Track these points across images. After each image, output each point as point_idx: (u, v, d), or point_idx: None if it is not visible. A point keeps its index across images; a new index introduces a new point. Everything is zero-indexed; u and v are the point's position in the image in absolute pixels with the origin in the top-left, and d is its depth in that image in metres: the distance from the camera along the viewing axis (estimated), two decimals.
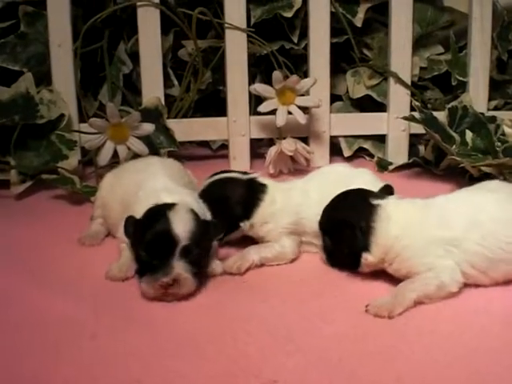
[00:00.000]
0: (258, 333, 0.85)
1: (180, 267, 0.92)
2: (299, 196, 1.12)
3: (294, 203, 1.11)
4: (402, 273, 0.97)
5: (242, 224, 1.09)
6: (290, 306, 0.93)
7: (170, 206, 0.97)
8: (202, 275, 0.97)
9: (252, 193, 1.10)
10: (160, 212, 0.96)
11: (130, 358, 0.80)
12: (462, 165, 1.34)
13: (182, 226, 0.94)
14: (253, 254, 1.06)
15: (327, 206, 1.04)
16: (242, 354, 0.80)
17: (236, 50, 1.55)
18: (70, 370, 0.77)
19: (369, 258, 0.98)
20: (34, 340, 0.84)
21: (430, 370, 0.77)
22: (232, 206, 1.08)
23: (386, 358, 0.79)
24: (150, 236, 0.94)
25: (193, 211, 0.98)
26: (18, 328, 0.87)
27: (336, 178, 1.12)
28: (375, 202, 1.00)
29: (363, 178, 1.13)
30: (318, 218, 1.04)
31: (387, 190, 1.07)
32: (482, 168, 1.35)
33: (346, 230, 0.99)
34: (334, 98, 1.67)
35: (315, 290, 0.98)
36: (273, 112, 1.53)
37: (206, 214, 1.04)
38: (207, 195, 1.10)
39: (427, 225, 0.98)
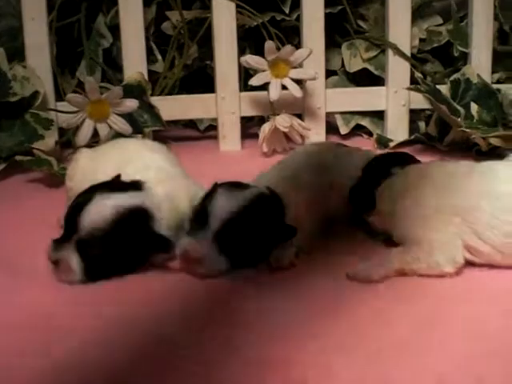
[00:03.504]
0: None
1: None
2: None
3: None
4: (397, 233, 0.90)
5: None
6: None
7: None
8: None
9: None
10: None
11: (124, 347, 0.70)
12: (473, 136, 1.25)
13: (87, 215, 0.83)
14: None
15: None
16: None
17: (224, 21, 1.44)
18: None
19: (372, 219, 0.94)
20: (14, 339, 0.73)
21: None
22: None
23: None
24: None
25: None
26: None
27: None
28: (394, 169, 0.94)
29: None
30: None
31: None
32: (491, 141, 1.27)
33: (358, 192, 0.96)
34: (328, 73, 1.57)
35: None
36: (265, 87, 1.43)
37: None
38: None
39: (436, 191, 0.88)
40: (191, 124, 1.64)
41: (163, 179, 0.93)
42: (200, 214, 0.86)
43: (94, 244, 0.83)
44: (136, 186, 0.89)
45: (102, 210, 0.83)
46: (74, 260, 0.84)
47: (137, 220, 0.85)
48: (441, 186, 0.88)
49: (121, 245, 0.84)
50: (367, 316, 0.75)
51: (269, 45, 1.37)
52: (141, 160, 0.98)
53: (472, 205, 0.85)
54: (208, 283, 0.84)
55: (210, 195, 0.87)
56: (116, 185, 0.89)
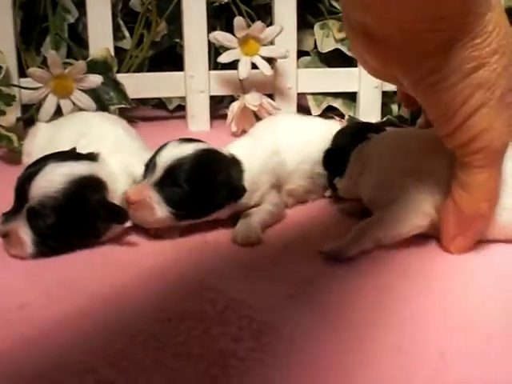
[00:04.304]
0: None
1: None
2: None
3: None
4: (366, 198, 0.87)
5: None
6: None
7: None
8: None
9: None
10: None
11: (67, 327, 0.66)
12: None
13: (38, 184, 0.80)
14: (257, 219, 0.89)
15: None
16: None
17: None
18: None
19: (338, 184, 0.93)
20: None
21: None
22: None
23: None
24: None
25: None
26: None
27: None
28: (370, 135, 0.92)
29: None
30: None
31: None
32: None
33: (331, 155, 0.95)
34: (301, 54, 1.54)
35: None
36: (234, 66, 1.40)
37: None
38: None
39: (404, 154, 0.85)
40: (160, 104, 1.61)
41: (119, 150, 0.90)
42: (147, 164, 0.86)
43: (45, 214, 0.79)
44: (90, 156, 0.86)
45: (53, 178, 0.80)
46: (24, 231, 0.80)
47: (90, 189, 0.81)
48: (409, 150, 0.85)
49: (73, 215, 0.80)
50: (333, 290, 0.73)
51: (238, 21, 1.34)
52: (98, 132, 0.96)
53: (441, 166, 0.81)
54: (165, 256, 0.82)
55: (160, 148, 0.87)
56: (68, 155, 0.86)
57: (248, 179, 0.89)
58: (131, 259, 0.81)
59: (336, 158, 0.94)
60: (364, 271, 0.77)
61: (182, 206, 0.84)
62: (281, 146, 0.96)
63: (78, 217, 0.81)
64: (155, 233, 0.87)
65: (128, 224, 0.84)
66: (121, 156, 0.89)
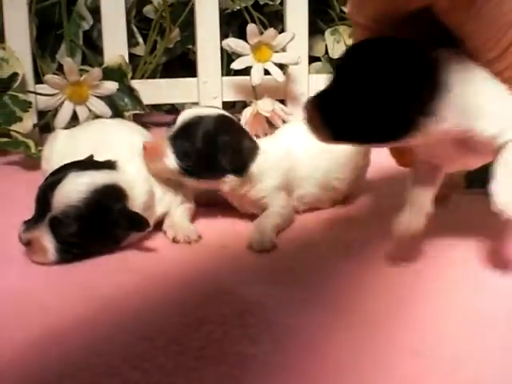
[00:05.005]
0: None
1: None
2: None
3: None
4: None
5: None
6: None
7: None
8: None
9: None
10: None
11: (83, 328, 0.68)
12: None
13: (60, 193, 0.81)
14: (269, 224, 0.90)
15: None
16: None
17: (206, 4, 1.43)
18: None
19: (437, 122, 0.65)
20: None
21: None
22: None
23: None
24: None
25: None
26: None
27: None
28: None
29: None
30: None
31: None
32: None
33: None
34: (312, 60, 1.56)
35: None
36: (247, 72, 1.42)
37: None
38: None
39: None
40: (173, 110, 1.63)
41: (137, 158, 0.92)
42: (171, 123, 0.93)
43: (68, 223, 0.81)
44: (109, 164, 0.87)
45: (75, 187, 0.82)
46: (46, 239, 0.82)
47: (111, 198, 0.83)
48: None
49: (95, 223, 0.82)
50: (348, 293, 0.74)
51: (251, 28, 1.36)
52: (116, 139, 0.97)
53: None
54: (187, 264, 0.83)
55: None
56: (88, 163, 0.87)
57: (255, 170, 0.91)
58: (150, 264, 0.83)
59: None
60: (379, 274, 0.78)
61: (189, 161, 0.89)
62: (295, 151, 0.97)
63: (100, 225, 0.83)
64: (174, 238, 0.89)
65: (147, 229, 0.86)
66: (139, 163, 0.91)
